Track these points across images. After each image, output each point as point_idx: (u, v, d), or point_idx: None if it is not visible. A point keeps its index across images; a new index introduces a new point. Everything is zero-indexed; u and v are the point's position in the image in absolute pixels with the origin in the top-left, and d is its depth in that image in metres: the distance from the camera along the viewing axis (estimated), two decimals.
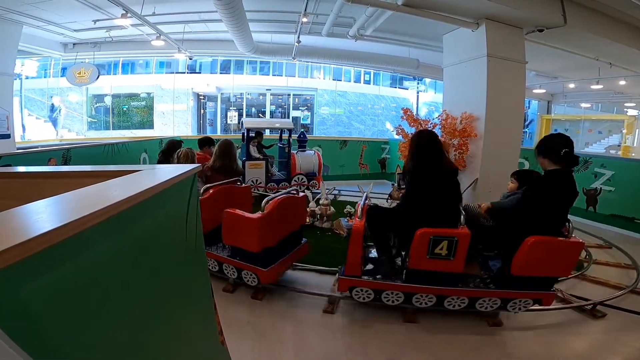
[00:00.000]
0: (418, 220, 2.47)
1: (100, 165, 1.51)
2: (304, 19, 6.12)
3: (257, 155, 6.35)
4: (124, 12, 5.49)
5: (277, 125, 7.35)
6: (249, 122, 6.39)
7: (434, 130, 2.64)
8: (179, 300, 1.05)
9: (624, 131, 12.11)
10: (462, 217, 2.49)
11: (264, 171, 6.24)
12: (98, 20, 7.04)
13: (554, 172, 2.42)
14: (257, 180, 6.20)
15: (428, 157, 2.58)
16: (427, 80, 16.51)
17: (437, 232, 2.43)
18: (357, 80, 18.25)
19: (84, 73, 8.57)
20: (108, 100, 15.21)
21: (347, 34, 6.43)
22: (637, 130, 12.71)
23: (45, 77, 13.95)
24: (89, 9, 6.41)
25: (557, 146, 2.38)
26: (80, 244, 0.59)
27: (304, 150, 6.93)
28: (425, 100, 18.22)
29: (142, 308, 0.81)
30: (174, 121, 15.08)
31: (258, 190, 6.13)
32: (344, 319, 2.68)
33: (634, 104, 12.62)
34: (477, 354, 2.32)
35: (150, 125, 15.30)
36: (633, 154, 11.92)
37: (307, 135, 7.29)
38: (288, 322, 2.61)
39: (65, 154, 4.17)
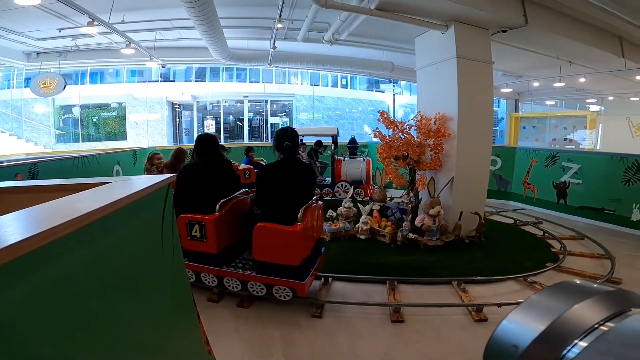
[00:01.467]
0: (184, 207, 2.79)
1: (70, 179, 1.45)
2: (279, 25, 6.12)
3: (303, 161, 6.60)
4: (91, 20, 5.31)
5: (310, 132, 7.53)
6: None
7: (214, 135, 3.31)
8: (158, 310, 1.02)
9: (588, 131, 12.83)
10: (218, 205, 2.81)
11: None
12: (63, 28, 6.78)
13: (278, 161, 2.87)
14: None
15: (197, 156, 3.06)
16: (403, 82, 16.89)
17: (191, 217, 2.76)
18: (335, 85, 18.43)
19: (50, 83, 8.22)
20: (76, 111, 14.63)
21: (323, 38, 6.49)
22: (600, 125, 13.49)
23: (8, 88, 13.27)
24: (54, 18, 6.16)
25: (279, 139, 2.84)
26: (50, 255, 0.58)
27: (354, 157, 6.99)
28: (402, 102, 18.62)
29: (119, 318, 0.79)
30: (147, 131, 14.67)
31: None
32: (332, 322, 2.67)
33: (594, 100, 13.39)
34: (465, 349, 2.36)
35: (123, 136, 14.83)
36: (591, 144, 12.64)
37: (357, 142, 7.32)
38: (276, 328, 2.58)
39: (32, 169, 3.97)
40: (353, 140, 7.33)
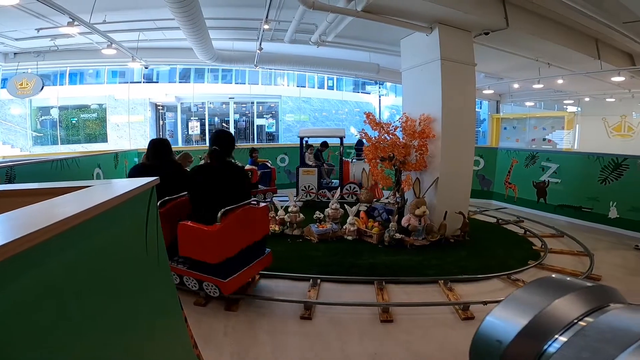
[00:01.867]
0: None
1: (48, 182, 1.40)
2: (266, 26, 6.09)
3: (310, 163, 6.74)
4: (71, 20, 5.15)
5: (317, 134, 7.37)
6: (303, 132, 6.86)
7: (164, 139, 3.70)
8: (144, 314, 1.00)
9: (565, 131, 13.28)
10: (158, 202, 3.05)
11: (316, 178, 6.56)
12: (42, 28, 6.56)
13: (207, 163, 3.09)
14: (309, 186, 6.55)
15: (145, 158, 3.36)
16: (388, 84, 17.08)
17: None
18: (321, 86, 18.49)
19: (27, 84, 7.95)
20: (55, 113, 14.18)
21: (309, 40, 6.48)
22: (577, 125, 13.96)
23: None
24: (32, 18, 5.95)
25: (210, 143, 3.03)
26: (29, 261, 0.57)
27: (362, 159, 6.85)
28: (387, 104, 18.83)
29: (103, 322, 0.77)
30: (129, 133, 14.34)
31: (310, 196, 6.56)
32: (322, 324, 2.67)
33: (572, 101, 13.84)
34: (453, 347, 2.39)
35: (103, 138, 14.45)
36: (574, 146, 13.08)
37: (364, 143, 7.29)
38: (266, 331, 2.57)
39: (9, 172, 3.82)
40: (360, 142, 7.17)
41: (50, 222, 0.60)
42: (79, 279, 0.71)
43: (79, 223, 0.68)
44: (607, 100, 12.27)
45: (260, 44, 7.10)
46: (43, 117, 14.33)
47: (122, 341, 0.85)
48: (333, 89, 18.70)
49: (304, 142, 6.79)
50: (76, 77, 14.56)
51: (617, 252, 4.29)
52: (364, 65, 8.99)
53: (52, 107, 14.06)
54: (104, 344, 0.77)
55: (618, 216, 5.15)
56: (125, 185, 1.03)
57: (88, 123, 14.71)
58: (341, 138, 6.75)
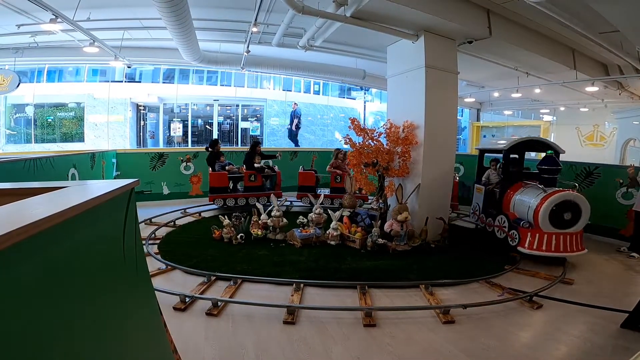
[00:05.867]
0: None
1: (19, 182, 1.35)
2: (254, 29, 6.06)
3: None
4: (54, 17, 4.99)
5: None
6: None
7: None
8: (121, 321, 0.97)
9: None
10: None
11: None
12: (22, 25, 6.32)
13: None
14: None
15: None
16: (374, 90, 17.28)
17: None
18: (307, 91, 18.50)
19: (2, 80, 7.65)
20: (30, 111, 13.63)
21: (297, 44, 6.49)
22: (552, 134, 14.50)
23: None
24: (13, 13, 5.72)
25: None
26: None
27: (548, 187, 4.25)
28: (372, 110, 19.04)
29: (78, 331, 0.74)
30: (108, 133, 13.93)
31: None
32: (305, 328, 2.65)
33: (547, 111, 14.39)
34: (436, 351, 2.42)
35: (80, 137, 13.98)
36: None
37: (559, 163, 4.41)
38: (249, 335, 2.53)
39: None
40: (552, 159, 4.34)
41: (18, 225, 0.57)
42: (50, 285, 0.68)
43: (50, 226, 0.65)
44: (581, 110, 12.79)
45: (248, 47, 7.06)
46: (17, 115, 13.75)
47: (99, 349, 0.82)
48: (319, 94, 18.75)
49: None
50: (54, 75, 14.08)
51: (588, 257, 4.45)
52: (351, 70, 9.08)
53: (27, 105, 13.52)
54: (78, 352, 0.73)
55: (589, 222, 5.35)
56: (101, 187, 0.99)
57: (65, 122, 14.21)
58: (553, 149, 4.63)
